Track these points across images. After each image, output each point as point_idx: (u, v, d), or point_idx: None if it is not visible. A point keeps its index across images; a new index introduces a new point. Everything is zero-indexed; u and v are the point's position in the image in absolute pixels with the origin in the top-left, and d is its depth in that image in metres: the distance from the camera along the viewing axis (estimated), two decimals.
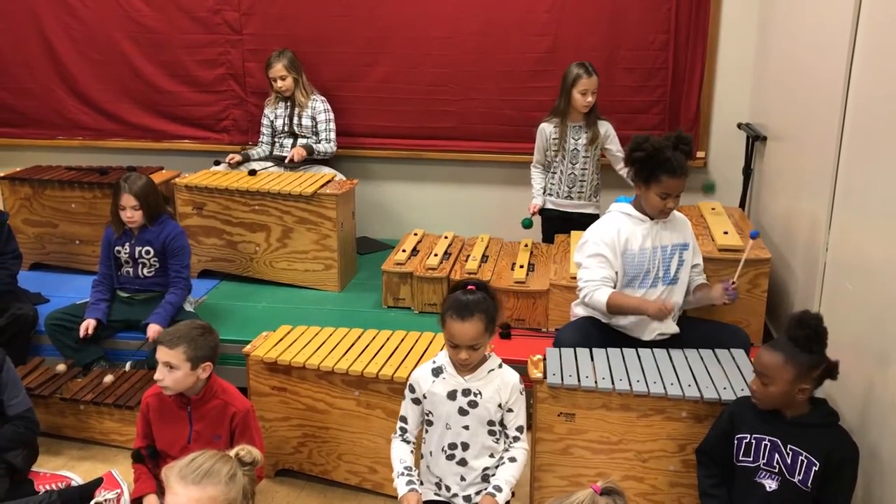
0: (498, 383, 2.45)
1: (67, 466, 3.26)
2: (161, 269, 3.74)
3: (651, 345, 3.04)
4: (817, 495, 2.37)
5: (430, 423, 2.50)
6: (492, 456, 2.48)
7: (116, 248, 3.71)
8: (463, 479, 2.47)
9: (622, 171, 4.04)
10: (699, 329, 3.18)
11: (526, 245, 4.23)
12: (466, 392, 2.44)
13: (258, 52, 4.89)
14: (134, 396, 3.34)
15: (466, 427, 2.44)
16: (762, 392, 2.38)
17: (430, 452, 2.51)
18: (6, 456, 2.93)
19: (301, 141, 4.70)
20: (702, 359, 2.88)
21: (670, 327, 3.12)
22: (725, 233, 3.60)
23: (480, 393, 2.44)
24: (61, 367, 3.56)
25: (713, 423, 2.58)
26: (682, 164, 2.98)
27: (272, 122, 4.78)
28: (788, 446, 2.37)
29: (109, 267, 3.75)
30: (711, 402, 2.64)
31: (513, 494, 2.50)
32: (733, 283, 3.04)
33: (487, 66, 4.73)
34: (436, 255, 4.09)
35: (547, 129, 4.16)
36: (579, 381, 2.71)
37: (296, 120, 4.71)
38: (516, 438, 2.49)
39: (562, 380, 2.71)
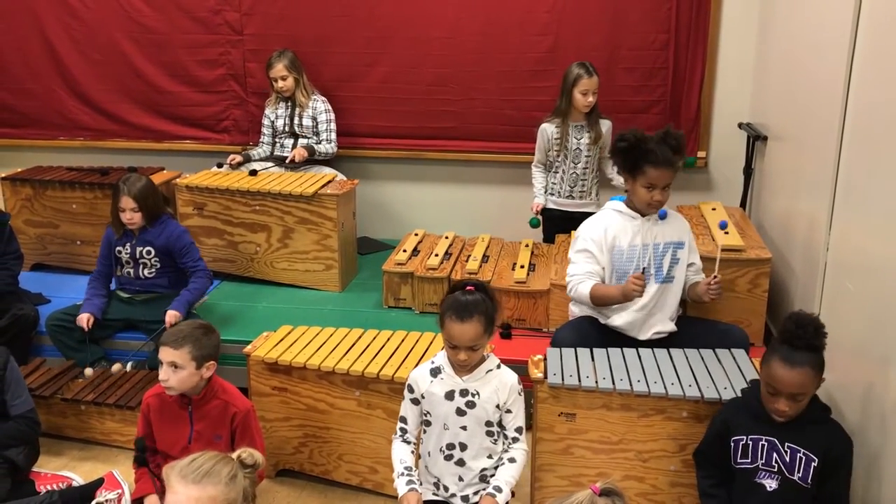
0: (496, 384, 2.46)
1: (68, 467, 3.26)
2: (162, 270, 3.75)
3: (649, 344, 3.04)
4: (817, 491, 2.37)
5: (428, 424, 2.51)
6: (490, 457, 2.48)
7: (117, 248, 3.72)
8: (461, 479, 2.47)
9: (612, 174, 4.06)
10: (699, 329, 3.18)
11: (527, 245, 4.23)
12: (464, 392, 2.44)
13: (259, 53, 4.89)
14: (135, 397, 3.34)
15: (464, 427, 2.44)
16: (795, 409, 2.32)
17: (429, 453, 2.51)
18: (7, 454, 2.94)
19: (302, 141, 4.71)
20: (702, 358, 2.88)
21: (667, 326, 3.12)
22: (726, 232, 3.60)
23: (478, 393, 2.44)
24: (117, 367, 3.56)
25: (708, 426, 2.57)
26: (667, 156, 2.98)
27: (273, 122, 4.78)
28: (786, 444, 2.37)
29: (107, 266, 3.76)
30: (712, 402, 2.63)
31: (513, 494, 2.51)
32: (715, 277, 3.06)
33: (488, 66, 4.73)
34: (436, 255, 4.10)
35: (548, 130, 4.16)
36: (580, 380, 2.71)
37: (296, 120, 4.72)
38: (515, 439, 2.49)
39: (562, 380, 2.71)
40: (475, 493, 2.47)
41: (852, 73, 2.85)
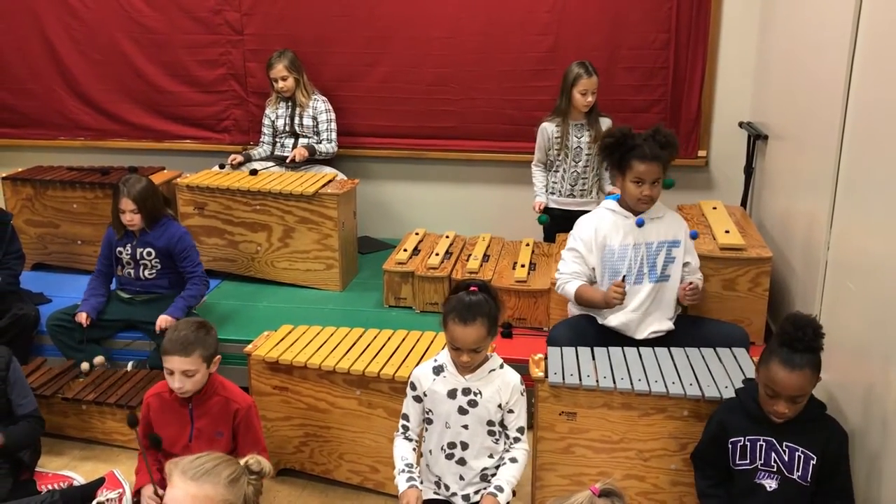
0: (499, 384, 2.46)
1: (69, 466, 3.27)
2: (163, 271, 3.75)
3: (647, 343, 3.04)
4: (819, 489, 2.37)
5: (429, 422, 2.51)
6: (491, 456, 2.48)
7: (118, 248, 3.72)
8: (462, 478, 2.47)
9: (607, 185, 4.14)
10: (699, 328, 3.18)
11: (527, 244, 4.23)
12: (466, 391, 2.44)
13: (259, 53, 4.89)
14: (136, 396, 3.34)
15: (466, 426, 2.44)
16: (794, 410, 2.32)
17: (430, 451, 2.51)
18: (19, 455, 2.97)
19: (302, 141, 4.71)
20: (703, 357, 2.88)
21: (664, 325, 3.12)
22: (727, 231, 3.60)
23: (480, 392, 2.44)
24: (99, 360, 3.59)
25: (704, 428, 2.57)
26: (654, 151, 2.99)
27: (273, 122, 4.78)
28: (784, 444, 2.37)
29: (107, 266, 3.76)
30: (713, 401, 2.63)
31: (514, 494, 2.50)
32: (690, 283, 3.10)
33: (488, 66, 4.73)
34: (437, 254, 4.10)
35: (549, 129, 4.16)
36: (581, 380, 2.71)
37: (297, 120, 4.72)
38: (517, 439, 2.49)
39: (563, 379, 2.71)
40: (476, 493, 2.47)
41: (853, 71, 2.85)
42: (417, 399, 2.52)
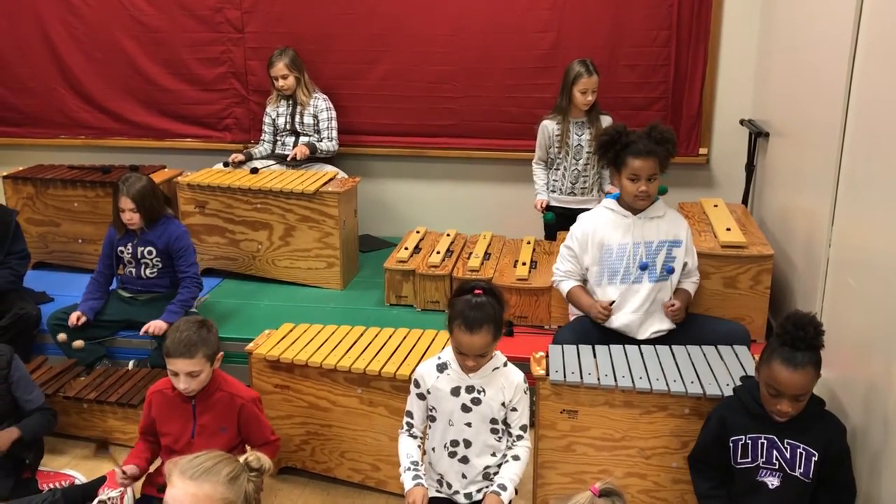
0: (502, 382, 2.45)
1: (71, 465, 3.27)
2: (164, 270, 3.74)
3: (650, 343, 3.03)
4: (821, 485, 2.37)
5: (433, 419, 2.51)
6: (494, 454, 2.48)
7: (119, 247, 3.72)
8: (464, 476, 2.47)
9: (606, 185, 4.15)
10: (700, 326, 3.17)
11: (528, 242, 4.23)
12: (470, 389, 2.44)
13: (260, 51, 4.89)
14: (137, 395, 3.34)
15: (469, 424, 2.44)
16: (797, 409, 2.32)
17: (433, 449, 2.51)
18: (21, 454, 2.97)
19: (303, 139, 4.70)
20: (704, 355, 2.87)
21: (666, 324, 3.12)
22: (728, 229, 3.59)
23: (484, 390, 2.44)
24: (78, 343, 3.61)
25: (701, 430, 2.56)
26: (650, 147, 3.00)
27: (274, 120, 4.78)
28: (785, 441, 2.37)
29: (107, 266, 3.75)
30: (714, 399, 2.62)
31: (516, 492, 2.50)
32: (672, 304, 3.10)
33: (490, 64, 4.72)
34: (438, 252, 4.09)
35: (549, 127, 4.16)
36: (582, 377, 2.71)
37: (298, 118, 4.71)
38: (520, 437, 2.50)
39: (564, 377, 2.71)
40: (478, 491, 2.47)
41: (854, 68, 2.84)
42: (421, 396, 2.52)
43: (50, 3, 5.08)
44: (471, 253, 4.12)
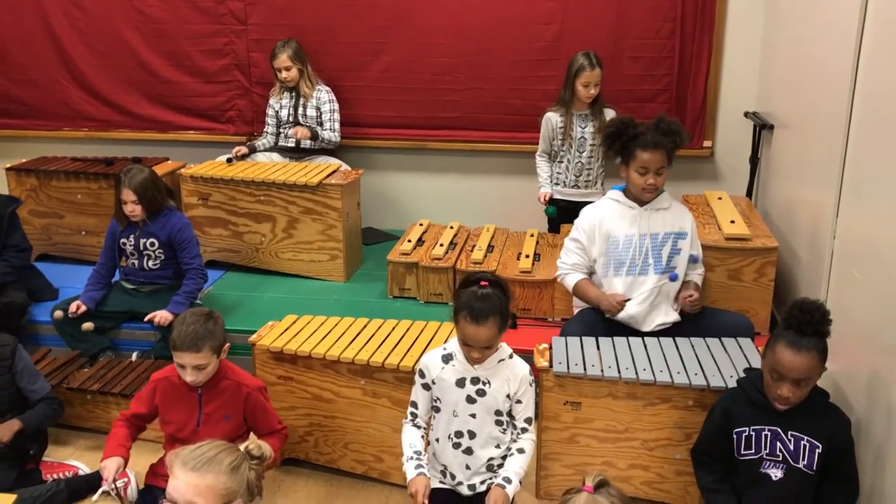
0: (507, 374, 2.45)
1: (75, 456, 3.27)
2: (166, 262, 3.74)
3: (654, 335, 3.03)
4: (824, 477, 2.37)
5: (437, 410, 2.50)
6: (498, 446, 2.48)
7: (122, 239, 3.72)
8: (468, 467, 2.47)
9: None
10: (703, 318, 3.17)
11: (532, 234, 4.22)
12: (475, 380, 2.44)
13: (263, 42, 4.88)
14: (140, 386, 3.34)
15: (473, 415, 2.44)
16: (798, 396, 2.31)
17: (437, 440, 2.51)
18: (24, 445, 2.98)
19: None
20: (708, 347, 2.87)
21: (671, 316, 3.11)
22: (732, 221, 3.59)
23: (489, 382, 2.44)
24: (87, 326, 3.62)
25: (705, 422, 2.55)
26: (658, 139, 2.99)
27: (277, 112, 4.77)
28: (789, 433, 2.37)
29: (110, 258, 3.75)
30: (718, 391, 2.63)
31: (520, 485, 2.50)
32: (690, 294, 3.08)
33: (493, 56, 4.71)
34: (441, 245, 4.09)
35: (553, 119, 4.15)
36: (585, 369, 2.71)
37: (300, 110, 4.70)
38: (524, 430, 2.49)
39: (568, 368, 2.71)
40: (482, 482, 2.47)
41: (860, 60, 2.83)
42: (426, 387, 2.52)
43: None
44: (474, 245, 4.11)
